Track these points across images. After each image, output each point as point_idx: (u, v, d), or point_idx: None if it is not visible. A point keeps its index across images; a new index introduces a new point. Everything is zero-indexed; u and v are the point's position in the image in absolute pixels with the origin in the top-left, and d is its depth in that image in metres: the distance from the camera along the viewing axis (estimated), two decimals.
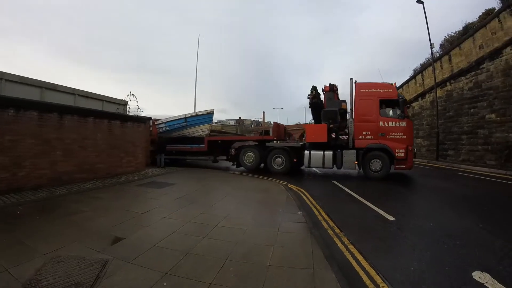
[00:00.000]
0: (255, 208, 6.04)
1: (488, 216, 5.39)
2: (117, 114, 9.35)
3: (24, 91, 7.22)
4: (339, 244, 4.01)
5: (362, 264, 3.36)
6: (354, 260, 3.47)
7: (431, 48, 17.50)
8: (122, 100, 10.62)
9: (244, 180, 9.93)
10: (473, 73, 15.17)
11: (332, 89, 11.75)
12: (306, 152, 10.95)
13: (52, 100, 7.59)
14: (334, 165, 10.60)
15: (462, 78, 16.06)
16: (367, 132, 10.29)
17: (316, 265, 3.23)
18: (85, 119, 7.72)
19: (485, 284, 2.78)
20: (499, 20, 13.32)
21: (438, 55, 19.73)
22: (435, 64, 17.79)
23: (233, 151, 12.78)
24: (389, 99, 10.24)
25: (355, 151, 10.35)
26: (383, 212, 5.60)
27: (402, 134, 10.00)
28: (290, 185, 8.63)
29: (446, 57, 17.75)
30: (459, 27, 20.76)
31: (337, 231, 4.58)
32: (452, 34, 22.60)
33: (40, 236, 3.84)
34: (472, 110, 15.14)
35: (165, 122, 14.70)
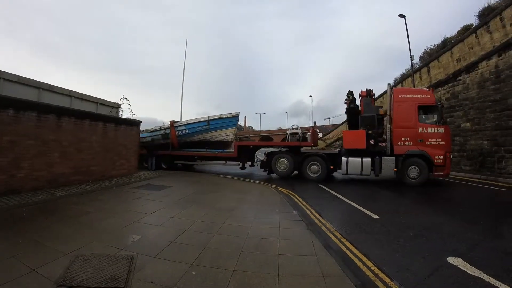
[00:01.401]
0: (254, 208, 6.45)
1: (461, 214, 6.20)
2: (112, 117, 9.41)
3: (21, 91, 7.13)
4: (333, 238, 4.55)
5: (354, 252, 3.93)
6: (347, 249, 4.03)
7: (411, 60, 18.83)
8: (115, 103, 10.63)
9: (236, 183, 10.29)
10: (450, 84, 16.23)
11: (369, 94, 11.47)
12: (344, 158, 10.58)
13: (49, 102, 7.55)
14: (372, 172, 10.33)
15: (440, 89, 17.08)
16: (406, 138, 10.09)
17: (317, 253, 3.77)
18: (81, 122, 7.77)
19: (458, 266, 3.41)
20: (476, 36, 14.49)
21: (417, 66, 20.77)
22: (414, 75, 18.90)
23: (265, 157, 12.34)
24: (427, 105, 10.13)
25: (394, 157, 10.09)
26: (367, 211, 6.22)
27: (440, 140, 9.84)
28: (280, 189, 9.04)
29: (425, 69, 18.86)
30: (438, 40, 22.25)
31: (329, 227, 5.12)
32: (431, 47, 23.58)
33: (56, 237, 3.96)
34: (449, 119, 16.07)
35: (185, 125, 13.89)
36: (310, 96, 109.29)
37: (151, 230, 4.56)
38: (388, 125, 10.39)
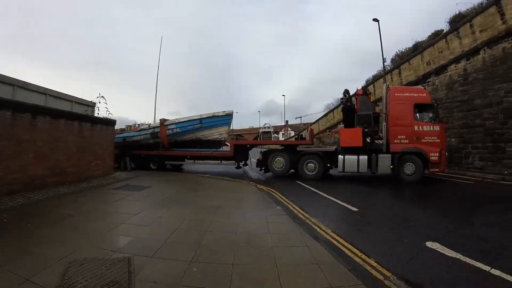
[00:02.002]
0: (239, 206, 6.58)
1: (435, 205, 6.79)
2: (87, 116, 8.99)
3: None
4: (318, 229, 4.83)
5: (341, 241, 4.23)
6: (334, 240, 4.33)
7: (383, 62, 19.98)
8: (91, 101, 10.13)
9: (216, 182, 10.32)
10: (420, 85, 16.84)
11: (365, 93, 11.63)
12: (340, 156, 10.65)
13: (24, 100, 7.04)
14: (369, 170, 10.42)
15: None
16: (402, 136, 10.23)
17: (308, 244, 4.02)
18: (57, 121, 7.36)
19: (437, 249, 3.82)
20: (446, 41, 15.46)
21: (389, 68, 21.73)
22: (386, 76, 19.90)
23: (261, 155, 12.25)
24: (423, 103, 10.30)
25: (390, 155, 10.19)
26: (347, 205, 6.61)
27: (436, 138, 10.00)
28: (260, 186, 9.24)
29: (397, 71, 19.88)
30: (409, 44, 22.67)
31: (314, 220, 5.39)
32: (403, 50, 24.20)
33: (43, 242, 3.79)
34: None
35: (176, 123, 13.28)
36: (283, 95, 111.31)
37: (141, 230, 4.51)
38: (384, 123, 10.55)
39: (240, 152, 12.89)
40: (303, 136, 12.43)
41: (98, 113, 10.30)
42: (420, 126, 10.16)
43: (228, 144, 13.29)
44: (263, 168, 12.19)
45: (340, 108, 30.49)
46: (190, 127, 12.92)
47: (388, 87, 11.03)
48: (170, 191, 8.02)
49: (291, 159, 11.50)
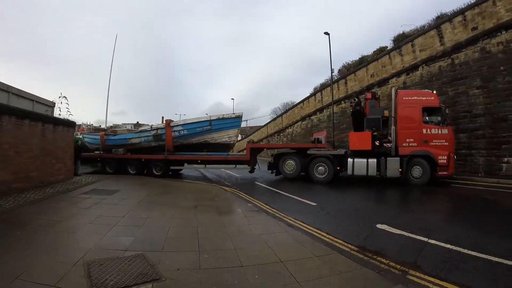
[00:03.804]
0: (214, 205, 7.14)
1: (380, 197, 8.58)
2: (50, 117, 8.49)
3: None
4: (288, 220, 5.76)
5: (310, 228, 5.24)
6: (304, 227, 5.31)
7: (332, 72, 22.14)
8: (51, 101, 9.46)
9: (180, 184, 10.74)
10: (364, 95, 19.44)
11: (374, 97, 11.86)
12: (350, 160, 10.83)
13: None
14: (378, 173, 10.58)
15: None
16: (411, 139, 10.40)
17: (287, 230, 5.04)
18: (22, 121, 6.93)
19: (385, 229, 5.11)
20: (389, 57, 17.81)
21: (336, 78, 23.83)
22: (333, 85, 22.07)
23: (272, 158, 12.35)
24: (431, 107, 10.47)
25: (399, 158, 10.35)
26: (306, 200, 7.74)
27: (444, 141, 10.14)
28: (223, 187, 9.88)
29: (343, 81, 22.19)
30: (356, 57, 24.93)
31: (282, 214, 6.27)
32: (350, 62, 26.17)
33: (47, 249, 3.81)
34: None
35: (183, 125, 12.44)
36: (232, 99, 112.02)
37: (138, 231, 4.80)
38: (393, 127, 10.74)
39: (255, 155, 12.69)
40: (319, 139, 12.64)
41: (59, 114, 9.72)
42: (428, 129, 10.29)
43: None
44: (274, 171, 12.33)
45: (288, 114, 32.90)
46: (199, 129, 12.24)
47: (396, 90, 11.35)
48: (142, 194, 8.19)
49: (301, 162, 11.64)
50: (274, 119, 37.19)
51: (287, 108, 40.32)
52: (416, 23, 20.28)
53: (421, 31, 16.52)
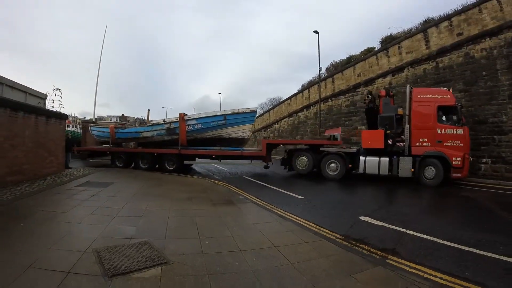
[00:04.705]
0: (207, 196, 7.48)
1: (362, 192, 9.15)
2: (43, 109, 8.46)
3: None
4: (278, 212, 6.17)
5: (298, 218, 5.67)
6: (293, 218, 5.72)
7: (319, 70, 22.57)
8: (44, 93, 9.36)
9: (170, 177, 10.89)
10: (350, 94, 19.99)
11: (388, 94, 11.62)
12: (362, 158, 10.76)
13: None
14: (389, 172, 10.40)
15: (342, 97, 20.63)
16: (424, 139, 10.16)
17: (278, 220, 5.49)
18: (16, 114, 6.94)
19: (368, 221, 5.60)
20: (376, 58, 18.28)
21: (324, 76, 23.97)
22: (320, 83, 22.55)
23: (285, 154, 12.42)
24: (446, 105, 10.15)
25: (411, 158, 10.15)
26: (293, 194, 8.18)
27: (459, 141, 9.83)
28: (214, 181, 10.18)
29: (331, 79, 22.55)
30: (344, 56, 25.21)
31: (272, 206, 6.66)
32: (338, 61, 26.51)
33: (54, 239, 3.91)
34: (347, 122, 19.90)
35: (197, 119, 12.17)
36: (220, 93, 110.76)
37: (138, 221, 5.02)
38: (407, 125, 10.48)
39: (270, 151, 12.69)
40: (335, 136, 12.55)
41: (52, 106, 9.66)
42: (443, 129, 10.01)
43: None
44: (287, 166, 12.46)
45: (275, 110, 33.32)
46: (213, 124, 12.04)
47: (411, 88, 10.99)
48: (136, 187, 8.40)
49: (314, 159, 11.68)
50: (261, 115, 37.51)
51: (274, 104, 40.74)
52: (404, 26, 20.62)
53: (408, 34, 17.10)
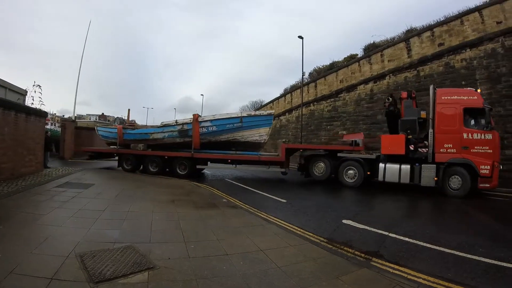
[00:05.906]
0: (190, 199, 7.44)
1: (344, 196, 9.36)
2: (23, 106, 8.15)
3: None
4: (262, 215, 6.20)
5: (282, 222, 5.72)
6: (277, 221, 5.76)
7: (303, 75, 22.79)
8: (24, 90, 8.95)
9: (151, 178, 10.78)
10: (332, 99, 20.44)
11: (410, 96, 10.77)
12: (381, 164, 10.10)
13: None
14: (411, 181, 9.64)
15: (324, 102, 21.13)
16: (449, 145, 9.29)
17: (263, 224, 5.56)
18: None
19: (350, 224, 5.76)
20: (359, 65, 18.75)
21: (307, 81, 24.29)
22: (303, 87, 22.78)
23: (302, 160, 11.98)
24: (474, 108, 9.24)
25: (435, 165, 9.33)
26: (276, 197, 8.23)
27: (487, 148, 8.92)
28: (197, 184, 10.02)
29: (313, 84, 23.03)
30: (327, 62, 25.51)
31: (255, 209, 6.71)
32: (321, 66, 26.58)
33: (34, 243, 3.73)
34: (329, 126, 20.38)
35: (212, 121, 11.51)
36: (202, 95, 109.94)
37: (121, 224, 4.95)
38: (431, 130, 9.65)
39: (289, 156, 12.06)
40: (357, 141, 11.81)
41: (32, 103, 9.26)
42: (470, 134, 9.12)
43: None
44: (303, 172, 11.99)
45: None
46: (229, 126, 11.38)
47: (434, 88, 10.02)
48: (118, 188, 8.23)
49: (331, 165, 11.18)
50: None
51: (256, 107, 40.78)
52: (387, 34, 21.25)
53: (391, 43, 17.68)
